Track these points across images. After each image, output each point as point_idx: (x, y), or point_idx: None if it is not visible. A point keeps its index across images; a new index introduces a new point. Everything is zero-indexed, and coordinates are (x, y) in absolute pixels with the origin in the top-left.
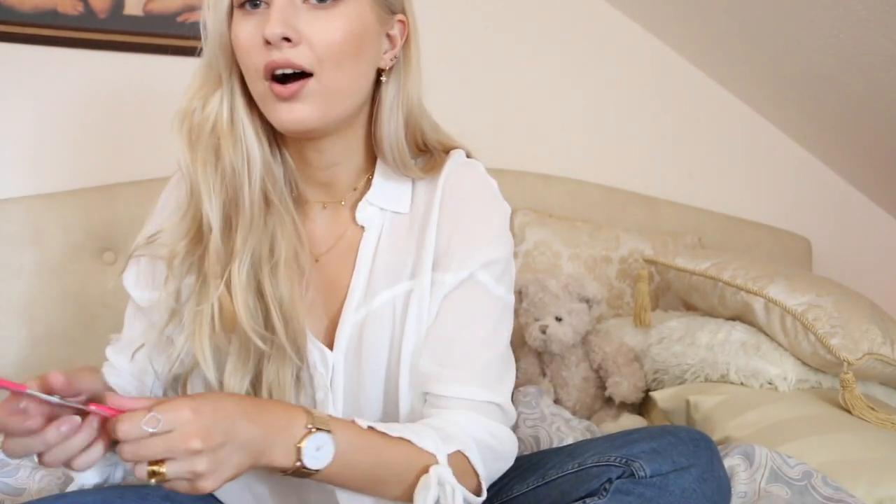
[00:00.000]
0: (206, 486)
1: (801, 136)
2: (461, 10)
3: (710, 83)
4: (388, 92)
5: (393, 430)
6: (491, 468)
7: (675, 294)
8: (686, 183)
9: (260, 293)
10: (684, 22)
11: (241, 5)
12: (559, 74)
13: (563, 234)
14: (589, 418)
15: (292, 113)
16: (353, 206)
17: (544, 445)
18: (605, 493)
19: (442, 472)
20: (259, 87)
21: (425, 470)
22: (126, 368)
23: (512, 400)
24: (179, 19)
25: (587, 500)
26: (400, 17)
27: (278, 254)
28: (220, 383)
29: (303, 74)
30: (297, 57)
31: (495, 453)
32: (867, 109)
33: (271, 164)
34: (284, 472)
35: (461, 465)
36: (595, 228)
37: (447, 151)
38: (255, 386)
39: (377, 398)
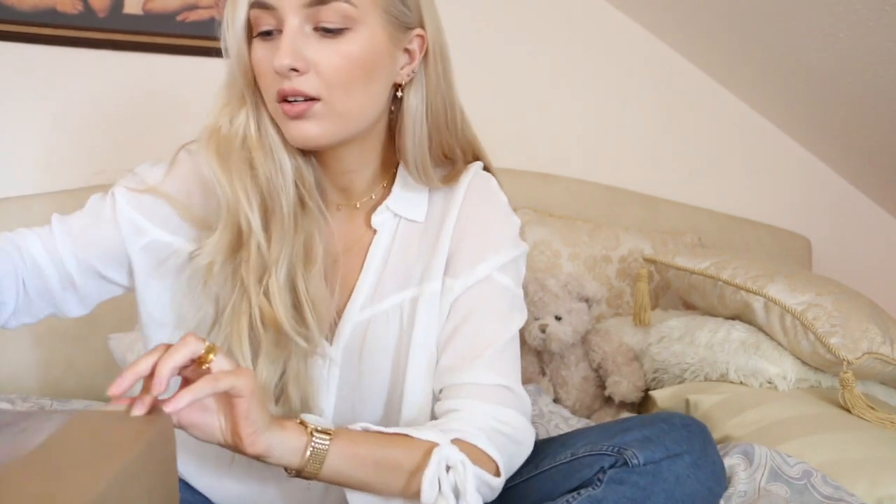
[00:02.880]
0: (242, 375)
1: (800, 135)
2: (460, 9)
3: (710, 82)
4: (411, 105)
5: (389, 429)
6: (506, 453)
7: (674, 293)
8: (686, 182)
9: (295, 294)
10: (684, 21)
11: (258, 34)
12: (559, 73)
13: (563, 234)
14: (589, 417)
15: (301, 131)
16: (369, 211)
17: None
18: (598, 484)
19: (446, 450)
20: (273, 107)
21: (429, 455)
22: (57, 239)
23: None
24: (179, 18)
25: (581, 491)
26: (418, 31)
27: (314, 255)
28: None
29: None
30: (304, 85)
31: (508, 438)
32: (867, 109)
33: (303, 169)
34: (288, 471)
35: (472, 451)
36: (595, 227)
37: (468, 161)
38: (282, 376)
39: (377, 401)
